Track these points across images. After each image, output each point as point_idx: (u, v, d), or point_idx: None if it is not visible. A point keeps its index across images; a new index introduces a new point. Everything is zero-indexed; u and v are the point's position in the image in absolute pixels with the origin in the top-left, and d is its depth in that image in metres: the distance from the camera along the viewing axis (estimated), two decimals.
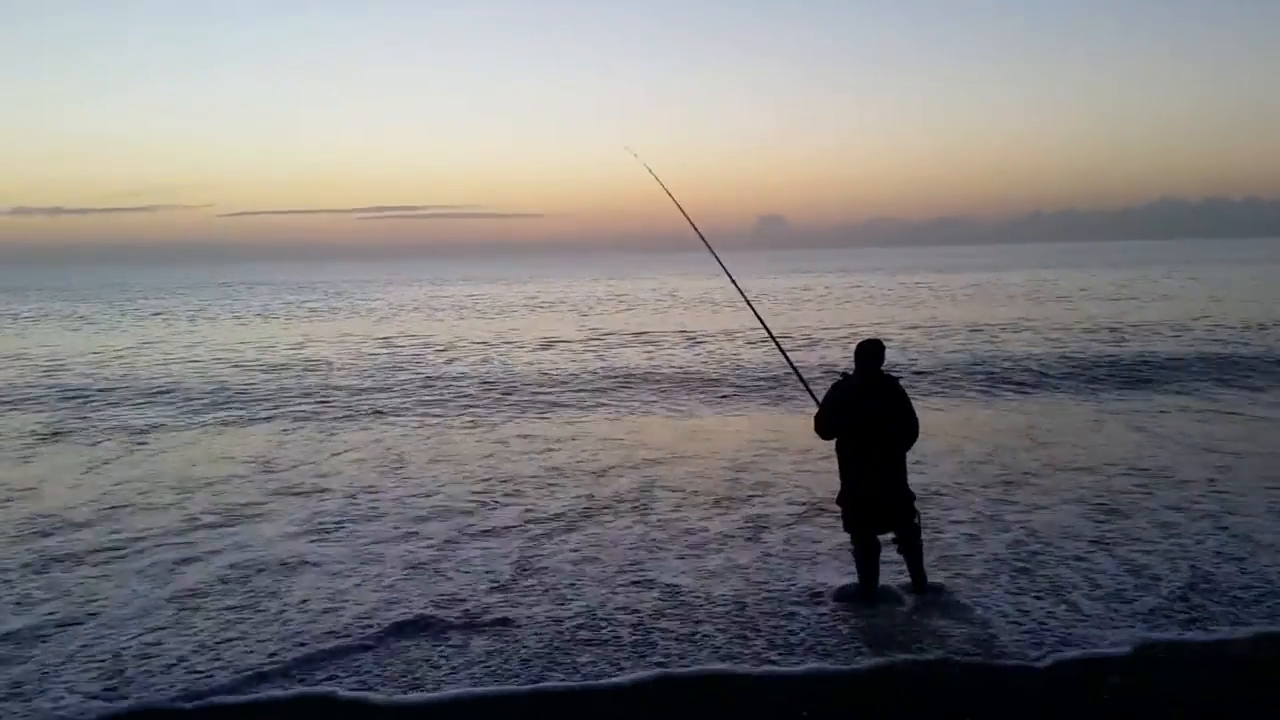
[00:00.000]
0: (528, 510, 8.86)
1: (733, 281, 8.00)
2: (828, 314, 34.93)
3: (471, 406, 15.42)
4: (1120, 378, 16.64)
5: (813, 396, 6.67)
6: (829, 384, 6.45)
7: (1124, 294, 40.08)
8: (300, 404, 15.90)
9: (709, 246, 8.40)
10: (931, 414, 12.43)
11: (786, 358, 7.54)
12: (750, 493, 9.37)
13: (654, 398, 15.84)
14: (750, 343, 23.52)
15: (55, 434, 13.59)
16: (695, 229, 8.44)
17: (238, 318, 40.94)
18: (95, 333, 33.60)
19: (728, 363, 20.20)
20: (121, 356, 24.33)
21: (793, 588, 6.74)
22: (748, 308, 7.86)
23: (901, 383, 6.41)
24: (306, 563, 7.47)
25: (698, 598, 6.56)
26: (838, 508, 6.54)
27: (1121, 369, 17.54)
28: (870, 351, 6.19)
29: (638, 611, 6.31)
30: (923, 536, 6.49)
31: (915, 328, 27.25)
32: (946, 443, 11.35)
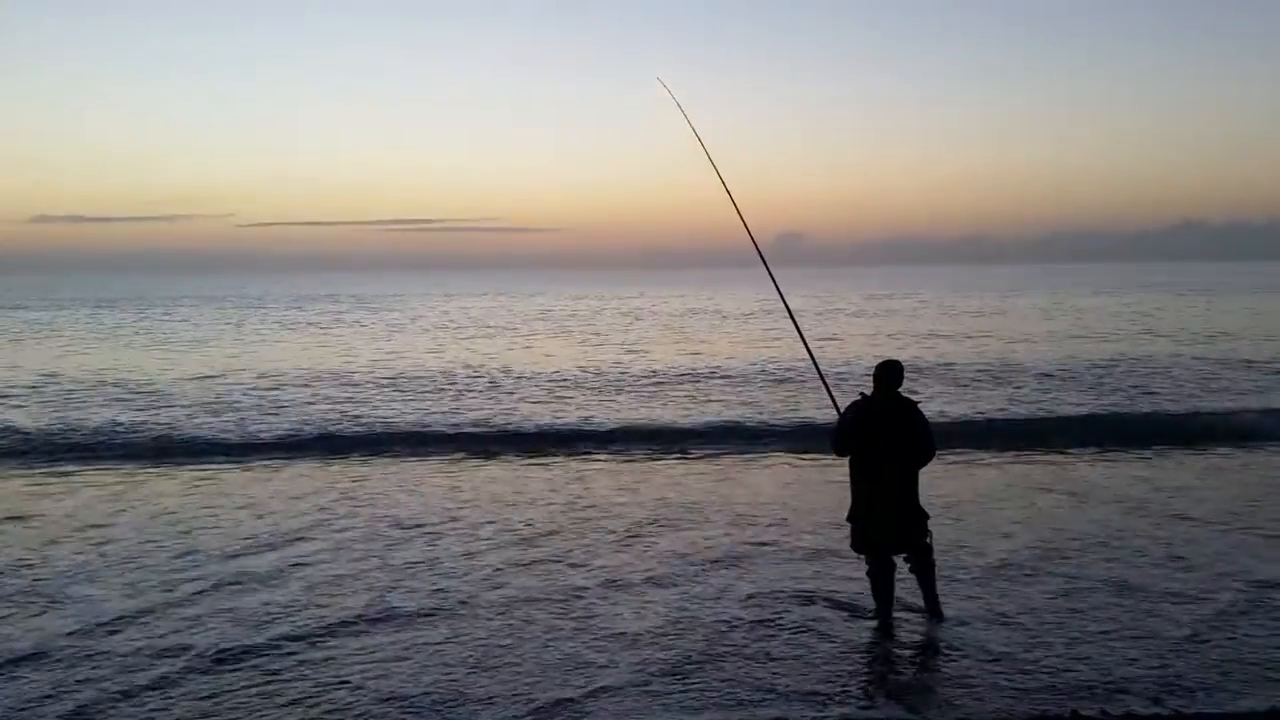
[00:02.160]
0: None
1: (779, 293, 7.72)
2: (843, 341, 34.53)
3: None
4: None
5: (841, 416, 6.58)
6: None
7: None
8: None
9: (750, 233, 7.77)
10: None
11: (820, 373, 7.39)
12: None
13: None
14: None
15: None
16: (730, 196, 7.80)
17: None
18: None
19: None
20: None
21: (807, 615, 6.66)
22: (792, 322, 7.59)
23: (920, 405, 6.42)
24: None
25: (699, 629, 6.38)
26: (848, 524, 6.54)
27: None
28: (889, 372, 6.28)
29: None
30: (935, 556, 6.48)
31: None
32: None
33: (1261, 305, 46.58)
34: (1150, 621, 6.47)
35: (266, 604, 6.95)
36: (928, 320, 40.10)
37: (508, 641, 6.24)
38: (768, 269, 7.63)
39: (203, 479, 11.64)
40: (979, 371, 21.32)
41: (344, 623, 6.55)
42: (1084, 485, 10.76)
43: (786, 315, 7.70)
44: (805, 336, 7.70)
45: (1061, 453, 12.70)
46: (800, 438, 13.72)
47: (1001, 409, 16.41)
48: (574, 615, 6.74)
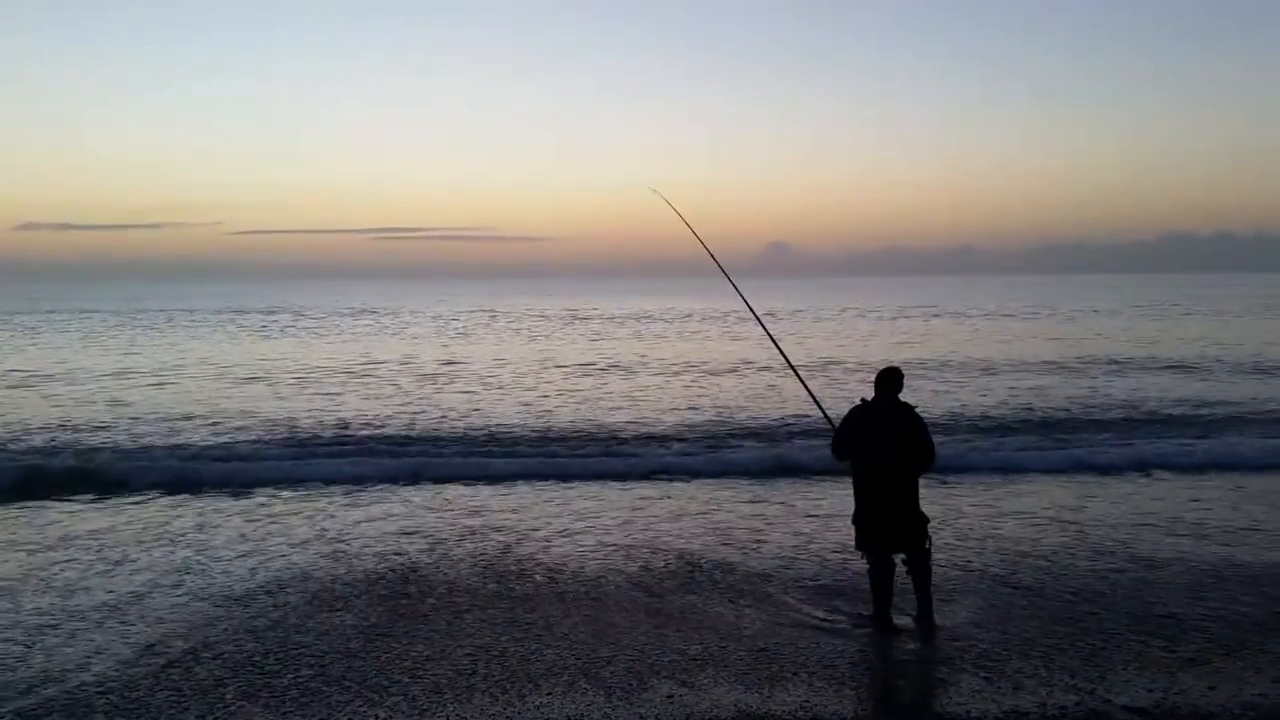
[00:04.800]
0: None
1: (757, 319, 8.26)
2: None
3: None
4: None
5: (831, 425, 6.96)
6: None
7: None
8: None
9: (730, 280, 8.49)
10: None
11: (805, 385, 7.70)
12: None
13: None
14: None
15: None
16: (718, 264, 8.58)
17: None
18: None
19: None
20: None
21: (807, 619, 6.84)
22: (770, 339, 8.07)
23: (918, 410, 6.69)
24: None
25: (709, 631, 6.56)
26: (852, 527, 6.79)
27: None
28: (889, 379, 6.56)
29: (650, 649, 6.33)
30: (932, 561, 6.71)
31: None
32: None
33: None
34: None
35: None
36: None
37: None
38: (752, 311, 7.73)
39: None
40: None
41: None
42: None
43: (769, 330, 8.27)
44: (783, 349, 8.18)
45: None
46: None
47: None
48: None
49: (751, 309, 8.34)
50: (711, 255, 8.62)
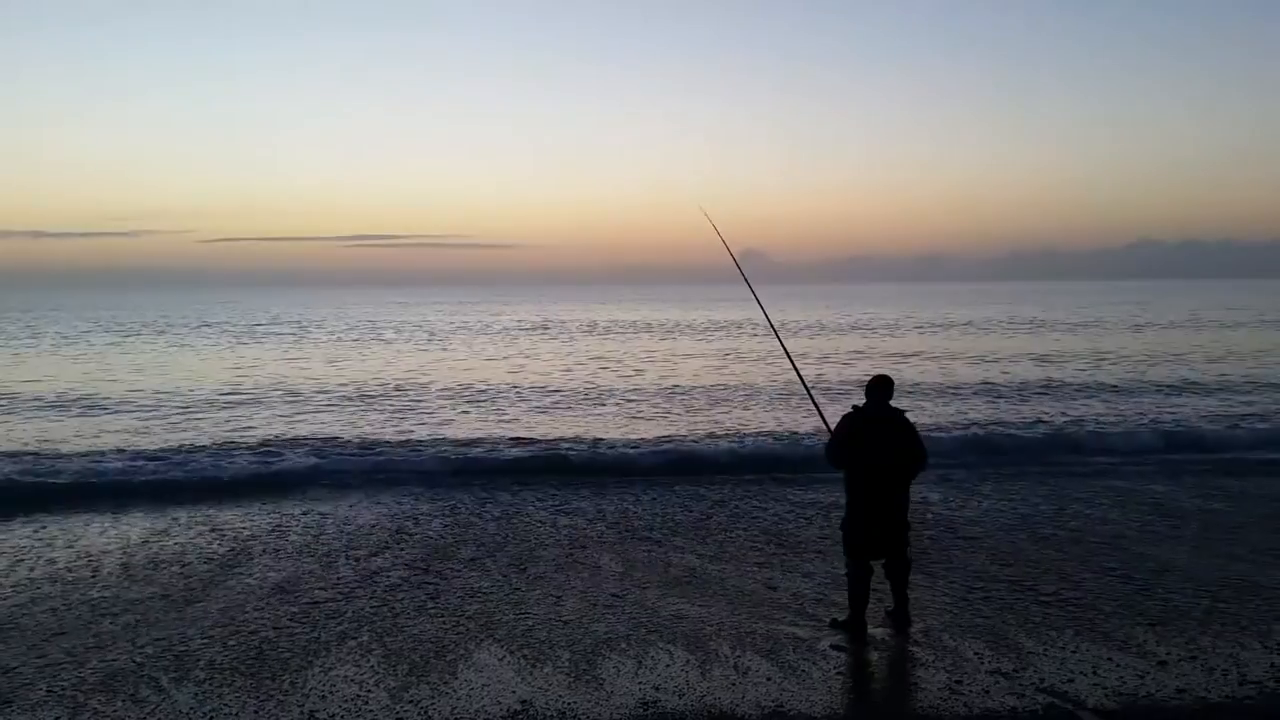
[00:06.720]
0: None
1: (768, 320, 8.59)
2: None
3: None
4: None
5: (829, 429, 6.98)
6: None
7: None
8: None
9: (754, 292, 8.59)
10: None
11: (809, 389, 7.85)
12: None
13: None
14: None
15: None
16: (747, 281, 8.62)
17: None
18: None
19: None
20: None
21: (781, 622, 6.86)
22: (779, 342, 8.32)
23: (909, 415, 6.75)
24: None
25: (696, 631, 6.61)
26: (840, 532, 6.85)
27: None
28: (880, 387, 6.65)
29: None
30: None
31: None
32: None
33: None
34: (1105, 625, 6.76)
35: None
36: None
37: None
38: (765, 315, 8.32)
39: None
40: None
41: None
42: None
43: (773, 334, 8.46)
44: (791, 354, 8.27)
45: None
46: None
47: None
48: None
49: (767, 316, 8.64)
50: (744, 277, 8.69)
